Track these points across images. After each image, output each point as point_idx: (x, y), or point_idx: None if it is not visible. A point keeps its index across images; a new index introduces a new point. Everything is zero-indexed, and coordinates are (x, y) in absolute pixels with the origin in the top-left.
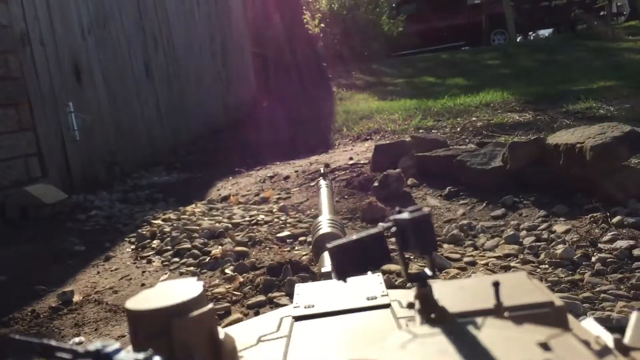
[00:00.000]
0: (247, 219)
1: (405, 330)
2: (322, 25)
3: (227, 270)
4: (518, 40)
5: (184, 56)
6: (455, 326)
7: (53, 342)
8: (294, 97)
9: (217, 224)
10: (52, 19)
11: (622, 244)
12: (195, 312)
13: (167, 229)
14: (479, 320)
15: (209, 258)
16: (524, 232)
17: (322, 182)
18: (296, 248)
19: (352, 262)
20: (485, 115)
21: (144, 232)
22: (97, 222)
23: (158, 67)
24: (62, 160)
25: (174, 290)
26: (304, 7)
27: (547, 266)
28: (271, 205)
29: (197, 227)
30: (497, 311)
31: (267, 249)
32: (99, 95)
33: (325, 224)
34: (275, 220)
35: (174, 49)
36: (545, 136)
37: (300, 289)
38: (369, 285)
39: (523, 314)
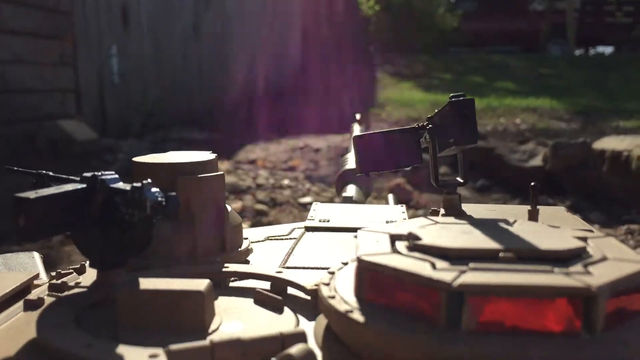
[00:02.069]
0: (271, 181)
1: (427, 218)
2: (377, 8)
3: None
4: (576, 53)
5: (233, 19)
6: (484, 219)
7: (50, 173)
8: (337, 76)
9: (240, 182)
10: None
11: None
12: (203, 175)
13: None
14: (511, 219)
15: None
16: None
17: (357, 127)
18: None
19: (378, 156)
20: (531, 120)
21: None
22: (123, 165)
23: (206, 26)
24: (99, 101)
25: (185, 154)
26: None
27: None
28: (297, 173)
29: None
30: (532, 215)
31: (287, 211)
32: (144, 45)
33: (353, 160)
34: (300, 187)
35: (224, 10)
36: (591, 141)
37: (317, 206)
38: (390, 211)
39: None
